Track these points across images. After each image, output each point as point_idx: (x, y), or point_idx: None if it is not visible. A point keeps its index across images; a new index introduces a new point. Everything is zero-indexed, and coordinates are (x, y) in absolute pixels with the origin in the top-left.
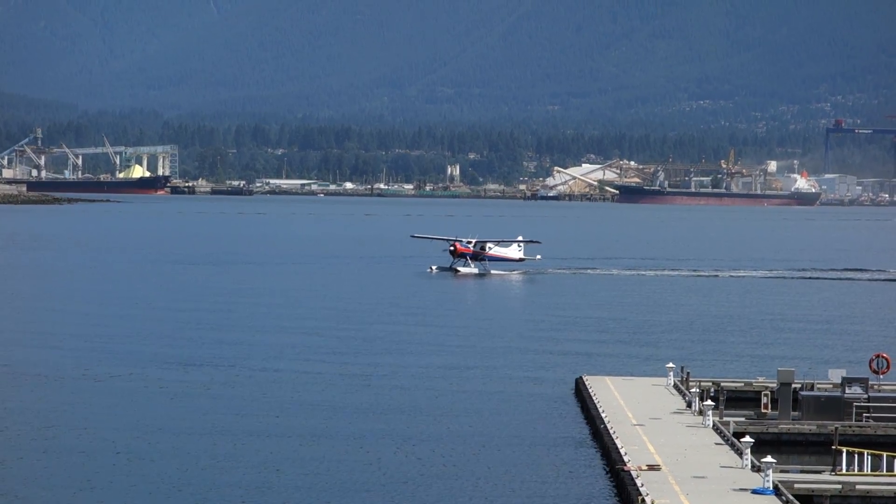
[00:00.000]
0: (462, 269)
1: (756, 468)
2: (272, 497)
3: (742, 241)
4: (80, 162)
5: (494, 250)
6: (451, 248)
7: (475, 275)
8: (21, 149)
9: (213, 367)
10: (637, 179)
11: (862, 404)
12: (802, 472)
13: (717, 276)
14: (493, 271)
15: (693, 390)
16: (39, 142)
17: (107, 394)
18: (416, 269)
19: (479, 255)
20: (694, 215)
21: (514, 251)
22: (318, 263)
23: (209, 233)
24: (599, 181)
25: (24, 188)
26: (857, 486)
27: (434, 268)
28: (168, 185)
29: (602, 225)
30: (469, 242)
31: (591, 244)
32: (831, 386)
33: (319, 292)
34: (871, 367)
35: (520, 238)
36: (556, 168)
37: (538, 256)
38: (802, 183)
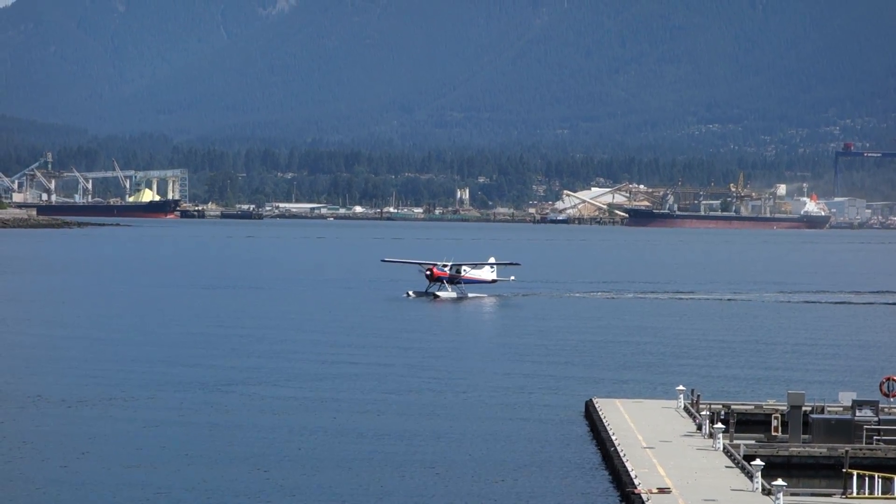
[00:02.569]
0: (441, 294)
1: (766, 491)
2: None
3: (734, 264)
4: (90, 186)
5: (470, 273)
6: (428, 272)
7: (454, 299)
8: (31, 173)
9: (209, 391)
10: (646, 203)
11: (872, 427)
12: (813, 495)
13: (722, 299)
14: (469, 294)
15: (703, 413)
16: (50, 166)
17: (113, 420)
18: (390, 294)
19: (455, 279)
20: (699, 238)
21: (487, 273)
22: (312, 288)
23: (215, 256)
24: (609, 205)
25: (34, 212)
26: None
27: (411, 293)
28: (178, 209)
29: (601, 248)
30: (445, 266)
31: (591, 267)
32: (842, 409)
33: (311, 320)
34: (881, 389)
35: (492, 259)
36: (565, 192)
37: (512, 278)
38: (812, 206)
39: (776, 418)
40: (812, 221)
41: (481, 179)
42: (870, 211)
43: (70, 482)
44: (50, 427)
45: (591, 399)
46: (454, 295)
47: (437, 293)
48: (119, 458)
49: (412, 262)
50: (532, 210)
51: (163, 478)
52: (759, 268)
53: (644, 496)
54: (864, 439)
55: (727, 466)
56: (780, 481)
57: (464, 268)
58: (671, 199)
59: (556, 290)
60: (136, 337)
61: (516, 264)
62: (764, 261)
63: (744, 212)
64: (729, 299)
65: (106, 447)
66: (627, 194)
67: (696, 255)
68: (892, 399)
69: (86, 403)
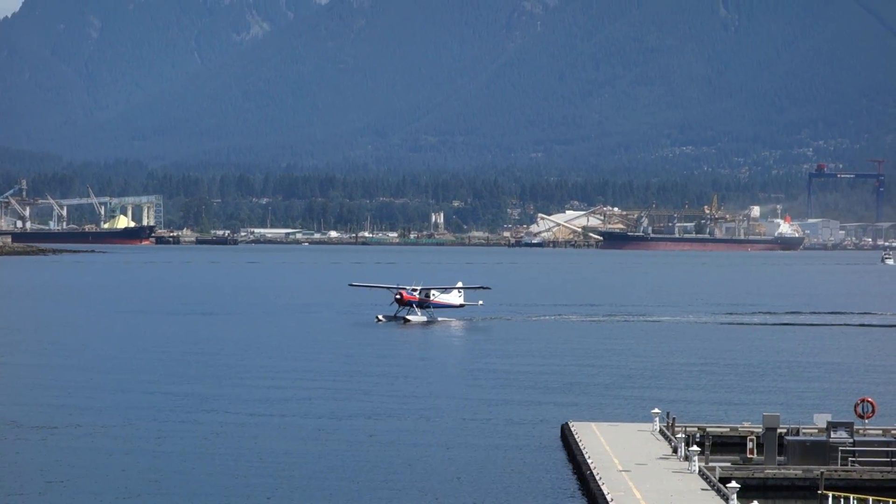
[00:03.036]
0: (411, 318)
1: None
2: None
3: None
4: (64, 213)
5: (438, 297)
6: (398, 296)
7: (424, 323)
8: (6, 200)
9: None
10: (621, 226)
11: (847, 448)
12: None
13: (697, 321)
14: (439, 319)
15: (679, 436)
16: (24, 193)
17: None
18: (359, 319)
19: (424, 303)
20: (673, 261)
21: (455, 297)
22: (284, 314)
23: (186, 283)
24: (583, 228)
25: (9, 239)
26: None
27: (381, 317)
28: (153, 235)
29: (574, 271)
30: (414, 290)
31: (563, 291)
32: (817, 430)
33: (281, 346)
34: (856, 411)
35: (459, 284)
36: (540, 215)
37: (480, 302)
38: (786, 228)
39: (751, 440)
40: (786, 243)
41: (456, 203)
42: (843, 232)
43: None
44: (24, 455)
45: (566, 423)
46: (424, 319)
47: (407, 317)
48: (93, 487)
49: (380, 286)
50: (507, 233)
51: None
52: (731, 290)
53: None
54: (839, 461)
55: (703, 489)
56: (756, 503)
57: (433, 292)
58: (645, 221)
59: (528, 314)
60: (107, 364)
61: (486, 288)
62: (736, 283)
63: (718, 234)
64: (704, 322)
65: (80, 476)
66: (602, 217)
67: (669, 278)
68: (866, 421)
69: (58, 431)
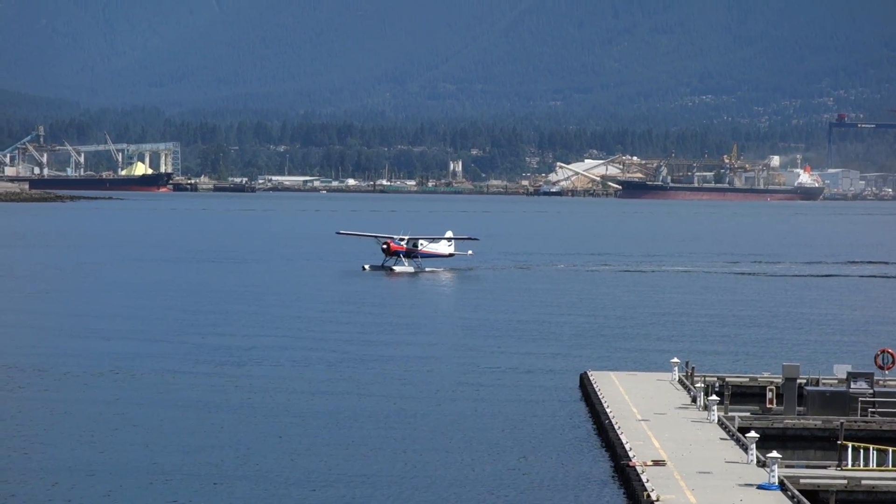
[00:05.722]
0: (397, 268)
1: (761, 463)
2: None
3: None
4: (82, 159)
5: (427, 247)
6: (385, 246)
7: (410, 273)
8: (23, 146)
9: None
10: (640, 175)
11: (867, 399)
12: (808, 467)
13: (718, 272)
14: (427, 269)
15: (698, 385)
16: (42, 139)
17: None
18: (346, 268)
19: (412, 253)
20: (692, 210)
21: (444, 247)
22: (280, 262)
23: (197, 230)
24: (602, 177)
25: (26, 186)
26: (863, 482)
27: (367, 266)
28: (170, 182)
29: (591, 221)
30: (402, 240)
31: (580, 240)
32: (836, 381)
33: (271, 294)
34: (876, 362)
35: (449, 234)
36: (558, 164)
37: (470, 252)
38: (805, 178)
39: (771, 390)
40: (806, 193)
41: (474, 151)
42: (864, 182)
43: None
44: (52, 402)
45: (585, 372)
46: (411, 269)
47: (393, 267)
48: (121, 437)
49: (368, 234)
50: (525, 182)
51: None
52: (750, 240)
53: (639, 469)
54: (859, 411)
55: (722, 438)
56: (774, 453)
57: (421, 242)
58: (664, 170)
59: (543, 262)
60: (128, 312)
61: (475, 239)
62: (755, 233)
63: (737, 183)
64: (724, 272)
65: (72, 422)
66: (621, 166)
67: (690, 228)
68: (886, 371)
69: (69, 377)
